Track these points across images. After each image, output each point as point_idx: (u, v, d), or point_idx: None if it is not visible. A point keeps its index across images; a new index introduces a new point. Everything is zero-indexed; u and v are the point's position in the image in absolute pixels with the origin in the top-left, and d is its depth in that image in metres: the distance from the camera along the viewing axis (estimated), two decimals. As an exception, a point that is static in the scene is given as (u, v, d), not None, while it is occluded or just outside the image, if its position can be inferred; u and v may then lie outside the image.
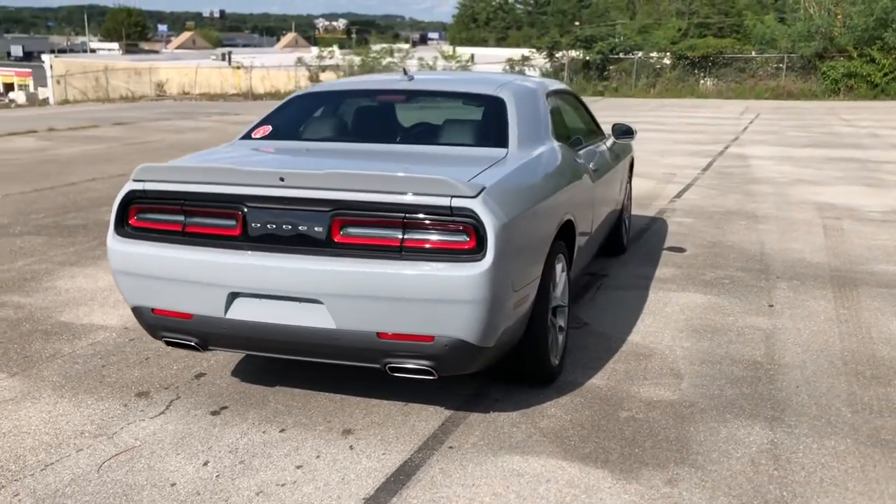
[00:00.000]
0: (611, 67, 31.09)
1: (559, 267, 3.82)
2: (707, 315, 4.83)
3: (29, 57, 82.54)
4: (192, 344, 3.35)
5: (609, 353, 4.20)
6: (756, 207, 8.38)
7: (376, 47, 40.99)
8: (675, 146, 14.06)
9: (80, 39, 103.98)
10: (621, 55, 30.82)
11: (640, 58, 30.85)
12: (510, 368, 3.67)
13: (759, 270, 5.86)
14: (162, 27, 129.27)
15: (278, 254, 3.09)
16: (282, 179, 3.07)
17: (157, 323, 3.39)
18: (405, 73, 4.46)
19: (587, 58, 31.08)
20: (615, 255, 6.20)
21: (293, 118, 4.18)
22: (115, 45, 76.78)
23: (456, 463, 3.06)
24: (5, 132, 15.61)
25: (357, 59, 35.70)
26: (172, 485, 2.91)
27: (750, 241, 6.78)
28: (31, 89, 57.98)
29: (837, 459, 3.11)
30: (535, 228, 3.34)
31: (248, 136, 4.09)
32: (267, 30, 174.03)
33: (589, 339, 4.42)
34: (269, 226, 3.11)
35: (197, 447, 3.18)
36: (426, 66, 33.82)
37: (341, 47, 43.30)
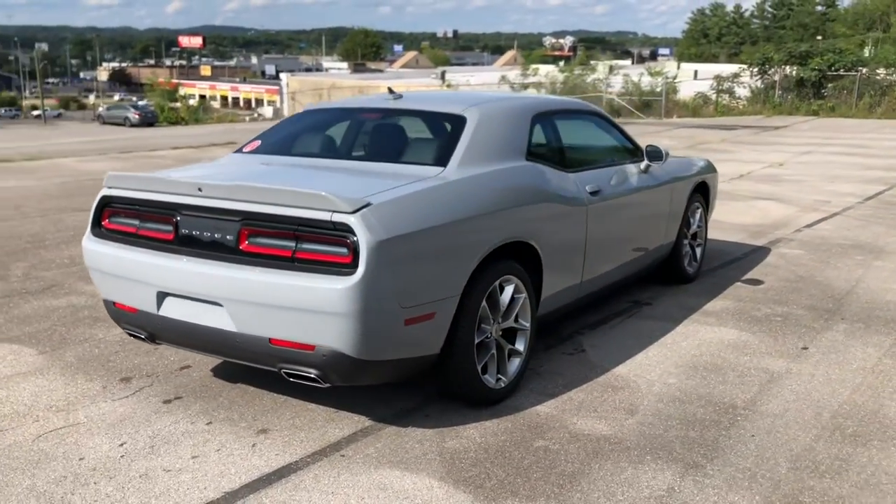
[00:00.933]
0: (829, 85, 28.76)
1: (509, 289, 3.77)
2: (722, 353, 4.50)
3: (279, 76, 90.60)
4: (143, 337, 3.70)
5: (579, 382, 4.06)
6: (893, 242, 7.53)
7: (594, 62, 40.80)
8: (855, 172, 12.85)
9: (324, 59, 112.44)
10: (841, 72, 28.40)
11: (863, 74, 28.25)
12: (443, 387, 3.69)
13: (827, 310, 5.33)
14: (398, 47, 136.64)
15: (197, 258, 3.35)
16: (200, 190, 3.34)
17: (117, 315, 3.78)
18: (391, 92, 4.59)
19: (801, 75, 28.95)
20: (677, 284, 5.89)
21: (280, 134, 4.45)
22: (344, 65, 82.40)
23: (334, 471, 3.15)
24: (207, 143, 17.42)
25: (560, 76, 35.77)
26: (80, 459, 3.25)
27: (846, 278, 6.15)
28: (278, 104, 63.89)
29: (725, 516, 2.84)
30: (445, 247, 3.34)
31: (240, 150, 4.42)
32: (497, 48, 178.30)
33: (572, 366, 4.29)
34: (193, 232, 3.39)
35: (127, 429, 3.51)
36: (630, 83, 33.24)
37: (566, 64, 43.22)
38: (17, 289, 5.77)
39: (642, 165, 5.09)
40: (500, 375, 3.79)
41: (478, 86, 37.75)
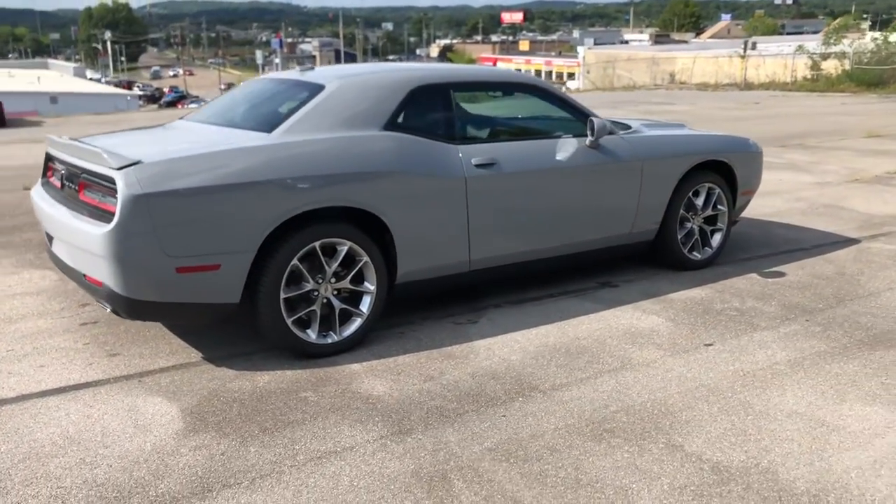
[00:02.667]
0: None
1: (342, 251, 3.98)
2: (608, 339, 4.26)
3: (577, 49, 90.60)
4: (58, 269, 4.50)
5: (425, 348, 4.15)
6: None
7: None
8: None
9: (628, 31, 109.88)
10: None
11: None
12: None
13: (807, 309, 4.71)
14: (725, 16, 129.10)
15: (62, 205, 4.05)
16: (58, 146, 4.03)
17: (47, 251, 4.63)
18: (301, 67, 4.88)
19: None
20: (678, 269, 5.49)
21: (210, 104, 4.96)
22: (644, 37, 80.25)
23: (115, 391, 3.67)
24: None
25: (870, 45, 31.81)
26: (-31, 357, 4.14)
27: (894, 280, 5.28)
28: (577, 77, 64.17)
29: (359, 478, 2.93)
30: (228, 205, 3.65)
31: (182, 117, 5.03)
32: (847, 13, 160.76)
33: (441, 334, 4.35)
34: (65, 183, 4.09)
35: (27, 340, 4.33)
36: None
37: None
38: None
39: (587, 141, 4.86)
40: (330, 332, 4.04)
41: (768, 56, 34.95)
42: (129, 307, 3.69)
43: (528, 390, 3.65)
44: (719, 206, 5.61)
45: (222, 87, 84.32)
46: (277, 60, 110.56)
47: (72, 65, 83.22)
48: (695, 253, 5.54)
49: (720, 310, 4.72)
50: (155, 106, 66.14)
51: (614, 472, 2.94)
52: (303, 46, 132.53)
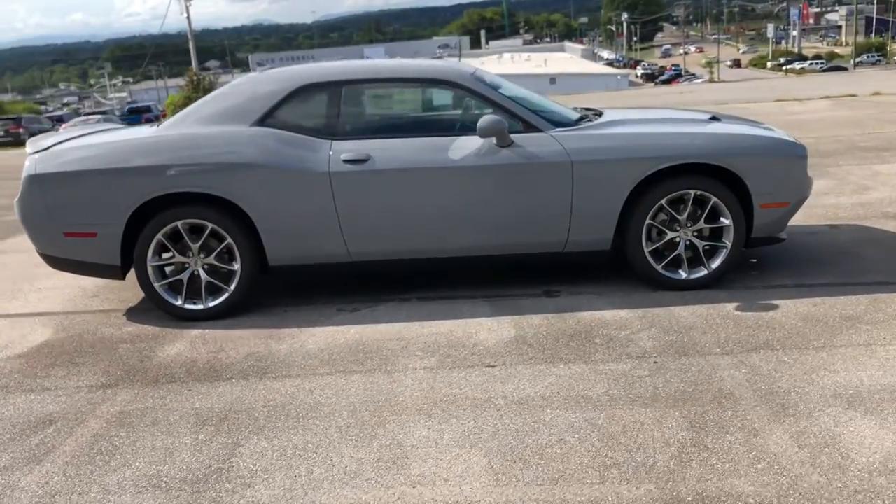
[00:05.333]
0: None
1: (207, 231, 4.60)
2: (415, 345, 4.13)
3: None
4: None
5: (273, 326, 4.53)
6: None
7: None
8: None
9: None
10: None
11: None
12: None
13: (691, 353, 3.84)
14: None
15: None
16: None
17: None
18: (261, 67, 5.31)
19: None
20: (657, 287, 4.77)
21: None
22: None
23: (39, 320, 4.90)
24: (806, 97, 16.33)
25: None
26: None
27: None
28: None
29: (12, 410, 3.66)
30: (97, 187, 4.51)
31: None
32: None
33: (309, 317, 4.67)
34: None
35: (67, 279, 5.78)
36: None
37: None
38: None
39: (495, 140, 4.54)
40: (195, 301, 4.71)
41: None
42: (45, 259, 4.86)
43: (255, 376, 3.88)
44: (722, 220, 4.66)
45: (728, 63, 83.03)
46: (795, 33, 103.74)
47: (581, 47, 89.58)
48: (679, 272, 4.72)
49: (594, 335, 4.11)
50: (651, 84, 68.32)
51: (165, 454, 3.18)
52: (829, 16, 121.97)
